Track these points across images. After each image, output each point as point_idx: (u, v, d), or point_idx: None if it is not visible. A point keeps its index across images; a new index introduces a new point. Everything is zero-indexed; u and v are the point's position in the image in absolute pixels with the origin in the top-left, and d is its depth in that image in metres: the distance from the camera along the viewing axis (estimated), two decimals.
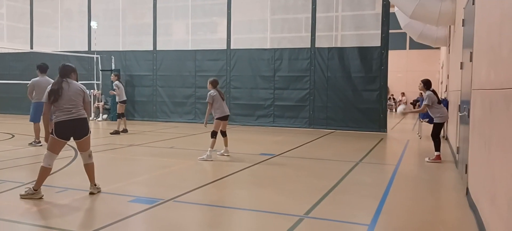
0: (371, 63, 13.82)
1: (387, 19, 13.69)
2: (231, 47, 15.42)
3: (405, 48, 28.15)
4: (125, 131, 12.04)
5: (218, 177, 6.79)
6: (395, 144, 11.41)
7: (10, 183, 5.86)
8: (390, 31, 13.95)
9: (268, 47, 15.23)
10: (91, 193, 5.36)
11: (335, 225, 4.50)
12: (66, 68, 5.33)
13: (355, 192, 5.95)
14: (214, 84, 8.29)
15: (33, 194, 5.08)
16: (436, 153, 8.21)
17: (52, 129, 5.12)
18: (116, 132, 11.83)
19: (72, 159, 7.75)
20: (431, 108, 8.22)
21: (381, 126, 13.67)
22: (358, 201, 5.50)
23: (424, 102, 8.20)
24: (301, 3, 14.96)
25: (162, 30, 16.62)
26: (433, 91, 8.36)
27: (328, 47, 14.36)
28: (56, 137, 5.10)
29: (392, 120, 18.75)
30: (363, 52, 13.94)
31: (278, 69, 14.81)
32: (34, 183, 5.18)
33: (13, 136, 11.10)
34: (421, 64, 27.46)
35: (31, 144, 9.47)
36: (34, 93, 9.23)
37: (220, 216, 4.89)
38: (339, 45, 14.46)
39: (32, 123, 9.55)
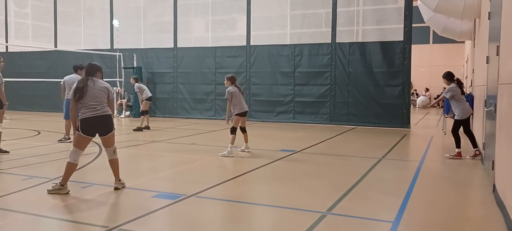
0: (394, 58, 13.61)
1: (410, 13, 13.45)
2: (251, 44, 15.42)
3: (429, 43, 27.61)
4: (147, 128, 12.20)
5: (239, 173, 6.81)
6: (419, 140, 11.23)
7: (37, 178, 6.02)
8: (413, 25, 13.70)
9: (288, 43, 15.18)
10: (116, 188, 5.46)
11: (358, 222, 4.46)
12: (92, 67, 5.46)
13: (378, 189, 5.88)
14: (232, 80, 8.32)
15: (60, 189, 5.20)
16: (457, 150, 8.07)
17: (78, 126, 5.24)
18: (139, 128, 12.01)
19: (97, 155, 7.90)
20: (452, 101, 8.03)
21: (404, 121, 13.46)
22: (381, 198, 5.43)
23: (444, 94, 8.04)
24: None
25: (182, 27, 16.75)
26: (459, 82, 8.14)
27: (349, 42, 14.22)
28: (81, 133, 5.22)
29: (415, 116, 18.44)
30: (385, 47, 13.74)
31: (298, 65, 14.74)
32: (61, 178, 5.30)
33: (39, 133, 11.38)
34: (445, 58, 26.91)
35: (60, 140, 9.68)
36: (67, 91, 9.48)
37: (241, 211, 4.90)
38: (360, 40, 14.30)
39: (65, 120, 9.78)
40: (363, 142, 10.62)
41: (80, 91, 5.22)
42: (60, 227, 4.34)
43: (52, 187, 5.27)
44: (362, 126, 13.75)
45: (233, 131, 8.15)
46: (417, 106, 8.53)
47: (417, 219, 4.64)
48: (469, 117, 8.19)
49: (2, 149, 7.91)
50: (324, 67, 14.46)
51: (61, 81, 9.82)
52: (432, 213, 4.82)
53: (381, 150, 9.08)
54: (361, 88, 14.04)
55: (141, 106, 12.40)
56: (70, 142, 9.46)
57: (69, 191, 5.25)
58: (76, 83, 5.37)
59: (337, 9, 14.34)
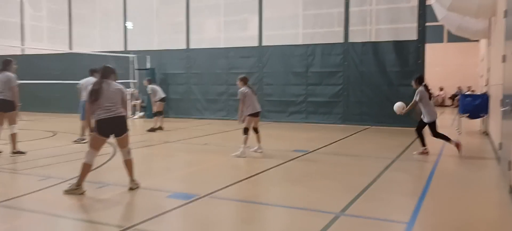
0: (407, 57, 13.49)
1: (424, 12, 13.31)
2: (263, 44, 15.43)
3: (442, 41, 27.27)
4: (160, 128, 12.30)
5: (252, 174, 6.82)
6: (433, 140, 11.09)
7: (54, 179, 6.11)
8: (426, 24, 13.55)
9: (300, 43, 15.13)
10: (130, 189, 5.52)
11: (372, 223, 4.44)
12: (107, 69, 5.57)
13: (393, 190, 5.84)
14: (245, 81, 8.34)
15: (76, 189, 5.28)
16: (423, 148, 8.38)
17: (93, 127, 5.32)
18: (152, 129, 12.11)
19: (111, 155, 7.99)
20: (420, 104, 8.27)
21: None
22: (395, 198, 5.39)
23: (414, 98, 8.27)
24: None
25: (195, 28, 16.83)
26: (426, 86, 8.41)
27: (362, 42, 14.13)
28: (97, 134, 5.31)
29: None
30: (399, 46, 13.62)
31: (310, 65, 14.70)
32: (77, 178, 5.37)
33: (55, 134, 11.55)
34: (459, 57, 26.56)
35: (76, 141, 9.83)
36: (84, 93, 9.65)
37: (254, 212, 4.91)
38: (373, 40, 14.20)
39: (81, 121, 9.94)
40: (377, 142, 10.54)
41: (96, 94, 5.31)
42: (76, 226, 4.41)
43: (69, 187, 5.35)
44: (376, 126, 13.65)
45: (245, 131, 8.17)
46: (394, 109, 8.75)
47: (432, 220, 4.59)
48: (435, 121, 8.41)
49: (19, 150, 8.05)
50: (337, 67, 14.40)
51: (77, 84, 9.97)
52: (448, 215, 4.77)
53: (395, 150, 9.01)
54: (375, 88, 13.94)
55: (154, 107, 12.51)
56: (85, 142, 9.63)
57: (85, 191, 5.32)
58: (91, 85, 5.46)
59: (350, 9, 14.26)
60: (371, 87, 13.98)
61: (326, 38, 14.79)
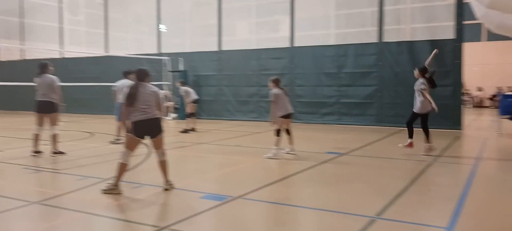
0: (444, 57, 13.06)
1: (461, 10, 12.88)
2: (294, 45, 15.36)
3: (481, 40, 26.32)
4: (193, 130, 12.45)
5: (284, 175, 6.79)
6: (472, 142, 10.72)
7: (91, 178, 6.29)
8: (464, 22, 13.10)
9: (332, 43, 14.96)
10: (165, 190, 5.60)
11: (409, 227, 4.32)
12: (142, 72, 5.66)
13: (430, 193, 5.67)
14: (276, 82, 8.32)
15: (113, 189, 5.41)
16: (409, 140, 8.56)
17: (131, 128, 5.45)
18: (185, 130, 12.28)
19: (145, 156, 8.14)
20: (419, 94, 8.42)
21: (456, 123, 12.89)
22: (433, 202, 5.22)
23: (420, 88, 8.37)
24: None
25: (226, 30, 16.96)
26: (430, 78, 8.48)
27: (397, 42, 13.82)
28: (133, 135, 5.43)
29: (467, 117, 17.61)
30: (435, 45, 13.16)
31: (343, 66, 14.51)
32: (114, 179, 5.50)
33: (92, 135, 11.89)
34: (499, 56, 25.56)
35: (112, 141, 10.10)
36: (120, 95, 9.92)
37: (287, 214, 4.88)
38: (408, 39, 13.85)
39: (117, 122, 10.19)
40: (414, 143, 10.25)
41: (132, 96, 5.42)
42: (113, 225, 4.51)
43: (106, 186, 5.50)
44: None
45: (277, 133, 8.14)
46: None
47: (471, 225, 4.42)
48: (427, 113, 8.43)
49: (59, 150, 8.34)
50: (370, 68, 14.14)
51: (113, 86, 10.23)
52: (488, 219, 4.58)
53: (432, 152, 8.74)
54: (410, 88, 13.44)
55: (187, 109, 12.69)
56: (121, 143, 9.88)
57: (122, 191, 5.44)
58: (127, 88, 5.57)
59: (384, 8, 13.97)
60: (406, 87, 13.60)
61: (359, 38, 14.56)
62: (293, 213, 4.92)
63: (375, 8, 14.10)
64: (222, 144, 10.22)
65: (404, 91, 13.65)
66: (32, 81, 8.49)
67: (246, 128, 13.85)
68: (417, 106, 8.50)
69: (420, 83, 8.45)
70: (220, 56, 16.77)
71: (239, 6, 17.11)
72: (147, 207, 5.07)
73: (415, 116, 8.60)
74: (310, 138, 11.33)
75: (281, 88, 8.31)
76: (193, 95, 12.58)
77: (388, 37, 13.94)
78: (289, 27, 15.43)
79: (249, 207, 5.08)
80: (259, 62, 15.93)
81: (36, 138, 8.21)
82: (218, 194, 5.51)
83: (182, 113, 16.06)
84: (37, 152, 8.21)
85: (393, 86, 13.77)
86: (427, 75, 8.53)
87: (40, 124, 8.20)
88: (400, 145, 8.81)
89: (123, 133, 9.98)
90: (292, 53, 15.35)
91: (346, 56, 14.46)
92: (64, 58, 20.48)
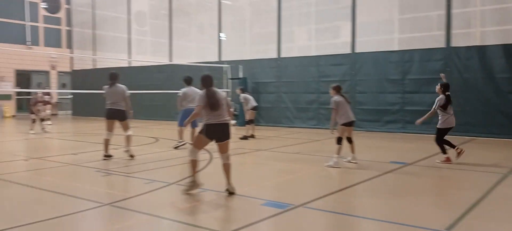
0: None
1: None
2: (356, 51, 15.04)
3: None
4: (252, 136, 12.57)
5: (346, 185, 6.63)
6: None
7: (158, 182, 6.54)
8: None
9: (396, 49, 14.47)
10: (227, 190, 5.78)
11: None
12: (210, 79, 5.88)
13: (506, 207, 5.27)
14: (337, 90, 8.17)
15: (192, 185, 5.73)
16: (444, 156, 8.24)
17: (202, 129, 5.72)
18: (245, 137, 12.42)
19: (208, 162, 8.33)
20: (439, 110, 8.28)
21: None
22: (509, 218, 4.84)
23: (434, 106, 8.33)
24: (432, 0, 13.93)
25: (285, 37, 16.98)
26: (448, 95, 8.35)
27: (466, 46, 13.07)
28: (204, 136, 5.70)
29: None
30: (509, 50, 12.36)
31: (407, 72, 13.96)
32: (190, 177, 5.76)
33: (157, 140, 12.38)
34: None
35: (177, 147, 10.47)
36: (183, 102, 10.39)
37: (351, 225, 4.75)
38: (478, 43, 13.06)
39: (178, 127, 10.65)
40: (484, 154, 9.64)
41: (216, 103, 5.66)
42: (179, 228, 4.64)
43: (185, 187, 5.79)
44: (482, 136, 12.49)
45: (339, 141, 7.99)
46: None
47: None
48: (448, 129, 8.32)
49: (131, 152, 8.80)
50: (437, 74, 13.40)
51: (178, 93, 10.63)
52: None
53: (506, 163, 8.15)
54: (481, 96, 12.79)
55: (246, 115, 12.83)
56: (183, 145, 10.33)
57: (202, 184, 5.75)
58: (206, 97, 5.67)
59: (452, 11, 13.29)
60: (476, 95, 12.85)
61: (425, 43, 13.94)
62: (357, 224, 4.78)
63: (442, 11, 13.45)
64: (281, 151, 10.21)
65: (474, 99, 12.89)
66: (102, 89, 9.03)
67: (305, 135, 13.73)
68: (440, 123, 8.38)
69: (438, 100, 8.39)
70: (279, 63, 16.81)
71: (298, 13, 17.08)
72: (211, 211, 5.17)
73: (440, 130, 8.40)
74: (372, 146, 11.00)
75: (342, 95, 8.16)
76: (252, 103, 12.71)
77: (456, 42, 13.22)
78: (350, 33, 15.13)
79: (310, 216, 5.00)
80: (319, 69, 15.77)
81: (107, 143, 8.74)
82: (279, 201, 5.49)
83: (241, 120, 16.28)
84: (108, 155, 8.71)
85: (462, 93, 13.01)
86: (447, 93, 8.38)
87: (111, 130, 8.75)
88: (437, 161, 8.39)
89: (183, 137, 10.50)
90: (353, 59, 15.03)
91: (411, 62, 13.90)
92: (131, 67, 21.59)
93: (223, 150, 5.83)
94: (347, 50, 15.21)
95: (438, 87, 8.54)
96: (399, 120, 14.11)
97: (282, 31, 16.85)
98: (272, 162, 8.80)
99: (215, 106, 5.64)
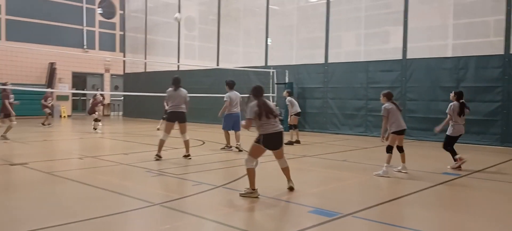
0: None
1: None
2: (407, 57, 14.57)
3: None
4: (297, 142, 12.48)
5: (396, 195, 6.42)
6: None
7: (205, 185, 6.63)
8: None
9: (449, 55, 13.89)
10: (290, 188, 6.13)
11: None
12: (262, 89, 6.12)
13: None
14: (388, 97, 7.95)
15: (251, 193, 5.82)
16: (455, 162, 8.36)
17: (258, 139, 5.89)
18: (290, 142, 12.35)
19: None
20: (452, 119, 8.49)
21: None
22: None
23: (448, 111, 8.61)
24: (490, 5, 13.25)
25: (333, 42, 16.77)
26: (462, 103, 8.61)
27: None
28: (262, 146, 5.88)
29: None
30: None
31: (462, 79, 13.35)
32: (249, 185, 5.86)
33: (204, 143, 12.59)
34: None
35: (223, 148, 10.86)
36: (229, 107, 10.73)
37: None
38: None
39: (224, 131, 11.05)
40: None
41: (271, 112, 5.91)
42: None
43: (244, 191, 5.89)
44: None
45: (389, 149, 7.75)
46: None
47: None
48: (457, 137, 8.52)
49: (189, 154, 9.09)
50: (494, 82, 12.80)
51: (225, 98, 10.83)
52: None
53: None
54: None
55: (289, 120, 12.80)
56: (230, 149, 10.59)
57: (259, 195, 5.78)
58: (258, 107, 5.88)
59: None
60: None
61: (481, 49, 13.27)
62: None
63: (501, 17, 12.77)
64: (327, 158, 10.06)
65: None
66: (153, 92, 9.36)
67: (352, 142, 13.45)
68: (449, 131, 8.55)
69: (449, 107, 8.66)
70: (326, 68, 16.62)
71: (347, 17, 16.81)
72: (258, 216, 5.17)
73: (448, 138, 8.56)
74: (424, 156, 10.61)
75: (393, 102, 7.93)
76: (297, 108, 12.68)
77: None
78: (401, 38, 14.69)
79: (359, 226, 4.88)
80: (367, 75, 15.43)
81: (162, 144, 9.02)
82: (326, 209, 5.39)
83: (285, 125, 16.23)
84: (160, 156, 8.94)
85: None
86: (461, 101, 8.52)
87: (169, 132, 9.09)
88: (448, 166, 8.46)
89: (230, 141, 10.76)
90: (404, 65, 14.58)
91: (466, 69, 13.29)
92: (179, 71, 22.13)
93: (279, 156, 6.10)
94: (397, 56, 14.78)
95: (452, 94, 8.76)
96: None
97: (330, 36, 16.64)
98: (318, 169, 8.69)
99: (269, 115, 5.86)
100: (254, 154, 5.93)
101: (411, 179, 7.50)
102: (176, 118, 9.07)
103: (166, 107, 9.20)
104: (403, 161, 8.00)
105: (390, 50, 15.33)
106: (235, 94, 10.75)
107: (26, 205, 5.45)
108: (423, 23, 14.69)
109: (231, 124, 10.82)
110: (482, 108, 12.96)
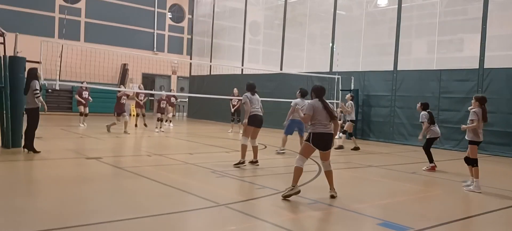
0: None
1: None
2: (485, 67, 13.60)
3: None
4: (340, 147, 12.49)
5: (474, 213, 5.95)
6: None
7: (268, 189, 6.58)
8: None
9: None
10: (331, 196, 6.00)
11: None
12: (323, 90, 6.20)
13: None
14: (482, 101, 7.59)
15: (292, 189, 5.81)
16: (431, 164, 9.25)
17: (308, 138, 5.92)
18: (356, 148, 12.30)
19: (316, 173, 8.17)
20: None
21: None
22: None
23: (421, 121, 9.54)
24: None
25: (403, 49, 16.09)
26: (429, 112, 9.56)
27: None
28: (311, 144, 5.89)
29: None
30: None
31: None
32: (291, 181, 5.84)
33: (265, 147, 12.57)
34: None
35: (278, 152, 11.07)
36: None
37: None
38: None
39: (284, 135, 11.25)
40: None
41: (330, 113, 5.95)
42: None
43: (285, 192, 5.84)
44: None
45: (475, 163, 7.21)
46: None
47: None
48: (434, 139, 9.48)
49: (257, 160, 8.89)
50: None
51: (291, 103, 10.89)
52: None
53: None
54: None
55: (345, 126, 12.76)
56: (283, 153, 10.87)
57: (300, 190, 5.81)
58: (316, 105, 5.97)
59: None
60: None
61: None
62: None
63: None
64: (395, 169, 9.61)
65: None
66: (216, 94, 9.51)
67: (421, 154, 12.69)
68: (430, 135, 9.48)
69: (421, 117, 9.55)
70: (395, 76, 15.96)
71: (419, 23, 16.05)
72: (324, 225, 5.01)
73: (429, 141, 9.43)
74: (501, 173, 9.79)
75: (482, 108, 7.56)
76: (353, 115, 12.59)
77: None
78: (478, 46, 13.75)
79: None
80: (440, 84, 14.58)
81: (245, 149, 8.64)
82: (397, 223, 5.09)
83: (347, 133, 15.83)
84: (242, 162, 8.50)
85: None
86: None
87: (249, 135, 8.81)
88: (423, 168, 9.19)
89: (285, 146, 10.78)
90: (481, 75, 13.61)
91: None
92: (243, 75, 22.40)
93: (325, 158, 6.08)
94: (474, 65, 13.84)
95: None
96: None
97: (400, 42, 15.98)
98: (386, 180, 8.31)
99: (328, 116, 5.93)
100: (304, 152, 5.98)
101: (488, 195, 6.92)
102: (258, 121, 8.94)
103: (246, 110, 9.00)
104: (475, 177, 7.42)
105: (465, 59, 14.42)
106: (303, 102, 10.54)
107: (100, 197, 5.72)
108: (503, 30, 13.66)
109: (291, 130, 11.08)
110: None
